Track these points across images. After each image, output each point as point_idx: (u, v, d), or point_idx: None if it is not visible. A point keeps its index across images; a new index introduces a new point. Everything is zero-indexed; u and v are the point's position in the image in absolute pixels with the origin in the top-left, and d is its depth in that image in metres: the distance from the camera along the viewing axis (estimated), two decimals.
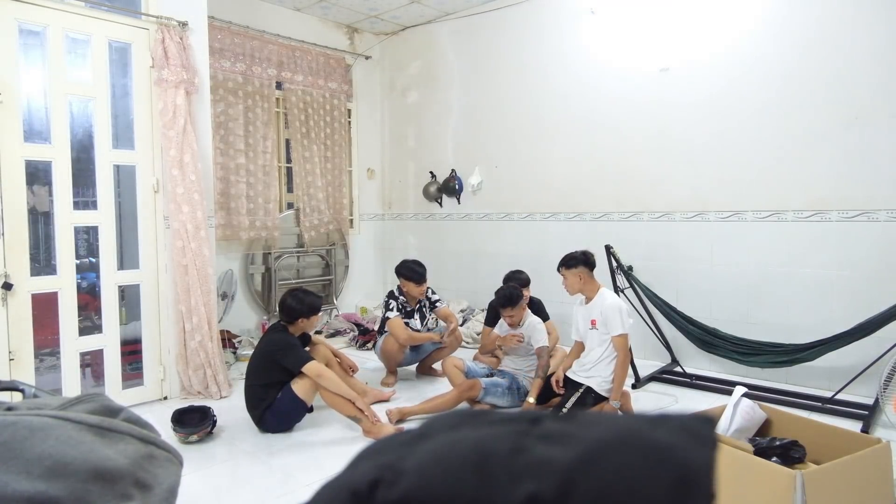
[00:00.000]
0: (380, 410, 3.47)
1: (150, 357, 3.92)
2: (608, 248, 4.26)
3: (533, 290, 4.29)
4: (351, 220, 6.50)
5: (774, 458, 2.23)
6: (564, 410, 3.24)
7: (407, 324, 4.24)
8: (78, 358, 3.63)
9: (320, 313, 3.69)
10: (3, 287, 3.28)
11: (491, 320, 4.03)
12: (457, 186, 5.98)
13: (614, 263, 4.27)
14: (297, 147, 5.80)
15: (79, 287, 3.69)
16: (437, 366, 4.46)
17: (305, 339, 3.64)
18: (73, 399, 0.45)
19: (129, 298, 4.05)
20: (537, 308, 4.15)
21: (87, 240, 3.92)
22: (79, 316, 3.63)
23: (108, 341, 3.75)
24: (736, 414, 2.51)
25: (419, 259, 4.46)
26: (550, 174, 5.29)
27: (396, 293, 4.30)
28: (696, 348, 4.21)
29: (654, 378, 4.26)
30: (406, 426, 3.26)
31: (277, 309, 3.82)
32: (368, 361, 4.75)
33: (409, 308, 4.31)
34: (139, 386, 3.90)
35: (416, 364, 4.50)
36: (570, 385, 3.49)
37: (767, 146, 4.13)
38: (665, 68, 4.57)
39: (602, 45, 4.93)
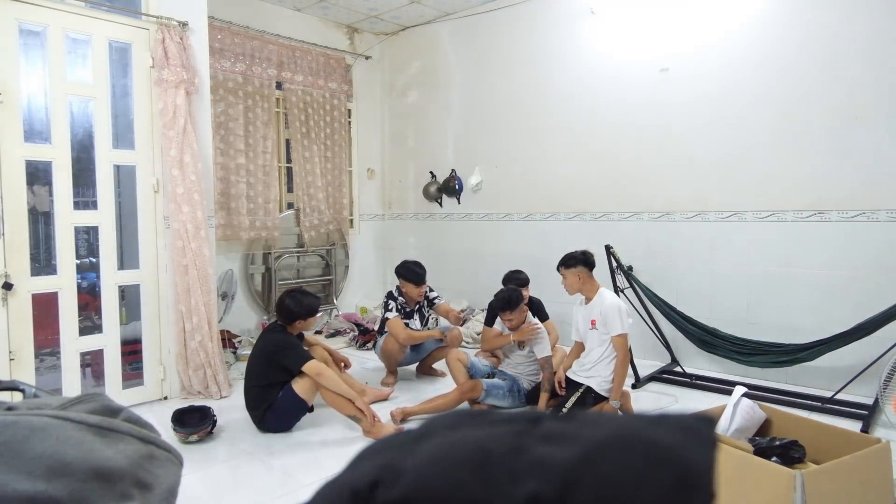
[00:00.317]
0: (381, 410, 3.47)
1: (151, 357, 3.92)
2: (608, 248, 4.26)
3: (533, 290, 4.29)
4: (351, 220, 6.50)
5: (774, 458, 2.23)
6: (564, 410, 3.24)
7: (407, 324, 4.24)
8: (78, 358, 3.63)
9: (319, 314, 3.69)
10: (3, 287, 3.28)
11: (490, 320, 4.03)
12: (457, 186, 5.98)
13: (614, 263, 4.27)
14: (297, 147, 5.80)
15: (79, 287, 3.69)
16: (437, 365, 4.46)
17: (300, 338, 3.64)
18: (73, 399, 0.45)
19: (129, 298, 4.05)
20: (537, 308, 4.15)
21: (87, 240, 3.92)
22: (79, 316, 3.63)
23: (109, 341, 3.75)
24: (736, 414, 2.51)
25: (419, 259, 4.46)
26: (550, 174, 5.29)
27: (395, 294, 4.30)
28: (696, 348, 4.20)
29: (653, 378, 4.26)
30: (406, 426, 3.27)
31: (275, 310, 3.82)
32: (368, 361, 4.76)
33: (409, 308, 4.31)
34: (139, 386, 3.90)
35: (416, 364, 4.50)
36: (570, 385, 3.49)
37: (767, 146, 4.13)
38: (665, 68, 4.57)
39: (602, 46, 4.93)
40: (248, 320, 5.51)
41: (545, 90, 5.30)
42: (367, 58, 6.48)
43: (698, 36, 4.40)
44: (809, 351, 3.63)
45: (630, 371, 3.85)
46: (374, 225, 6.76)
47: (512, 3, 5.45)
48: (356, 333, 5.50)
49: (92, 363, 3.90)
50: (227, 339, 4.89)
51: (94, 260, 3.88)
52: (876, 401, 3.19)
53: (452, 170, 6.04)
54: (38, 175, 3.65)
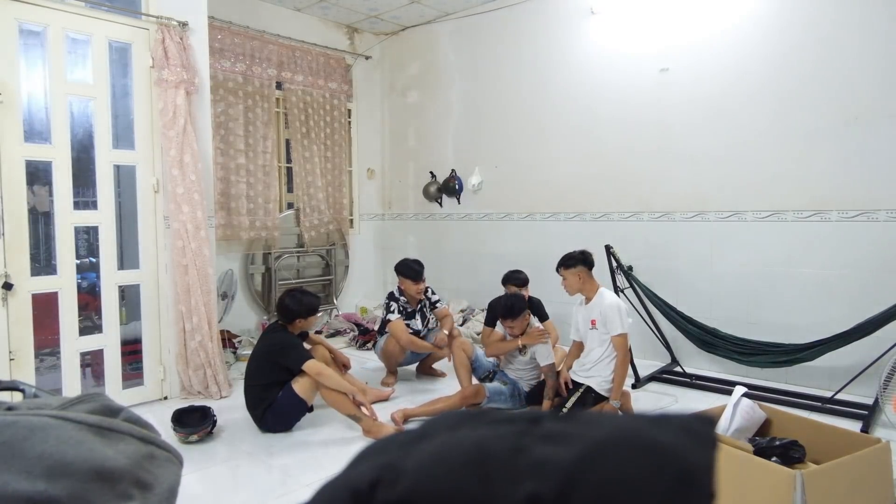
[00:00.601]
0: (381, 411, 3.47)
1: (151, 357, 3.92)
2: (608, 248, 4.25)
3: (533, 290, 4.29)
4: (351, 220, 6.51)
5: (774, 458, 2.23)
6: (564, 410, 3.24)
7: (408, 324, 4.24)
8: (78, 358, 3.63)
9: (319, 313, 3.69)
10: (3, 287, 3.28)
11: (491, 320, 4.03)
12: (457, 186, 5.98)
13: (614, 263, 4.27)
14: (297, 147, 5.80)
15: (79, 287, 3.69)
16: (437, 365, 4.47)
17: (303, 337, 3.64)
18: (73, 399, 0.45)
19: (129, 298, 4.05)
20: (536, 308, 4.15)
21: (87, 240, 3.92)
22: (79, 316, 3.63)
23: (109, 341, 3.75)
24: (736, 414, 2.51)
25: (419, 259, 4.46)
26: (550, 174, 5.29)
27: (397, 294, 4.30)
28: (696, 348, 4.20)
29: (654, 378, 4.26)
30: (407, 427, 3.27)
31: (276, 309, 3.82)
32: (368, 361, 4.76)
33: (411, 309, 4.31)
34: (139, 386, 3.90)
35: (416, 364, 4.50)
36: (570, 385, 3.49)
37: (767, 146, 4.13)
38: (665, 68, 4.57)
39: (602, 46, 4.93)
40: (248, 320, 5.51)
41: (545, 90, 5.30)
42: (367, 58, 6.48)
43: (698, 36, 4.40)
44: (809, 351, 3.63)
45: (630, 371, 3.84)
46: (374, 225, 6.76)
47: (512, 3, 5.45)
48: (356, 333, 5.50)
49: (92, 363, 3.89)
50: (227, 339, 4.89)
51: (94, 260, 3.88)
52: (876, 401, 3.19)
53: (452, 170, 6.04)
54: (38, 175, 3.65)
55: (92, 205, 3.71)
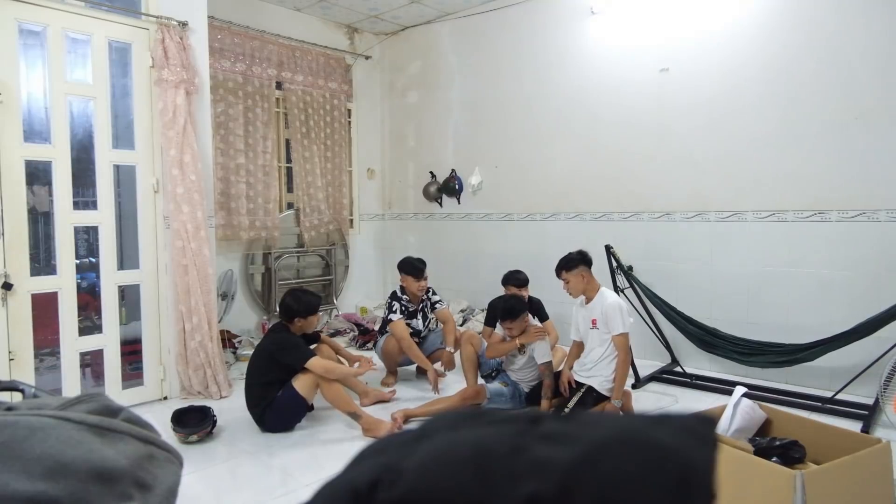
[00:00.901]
0: (382, 410, 3.47)
1: (150, 357, 3.92)
2: (608, 248, 4.25)
3: (533, 290, 4.29)
4: (351, 220, 6.50)
5: (774, 458, 2.23)
6: (566, 411, 3.24)
7: (409, 324, 4.25)
8: (78, 358, 3.63)
9: (319, 313, 3.70)
10: (3, 287, 3.28)
11: (491, 320, 4.03)
12: (457, 186, 5.98)
13: (614, 263, 4.27)
14: (297, 147, 5.80)
15: (79, 287, 3.69)
16: (438, 365, 4.46)
17: (312, 339, 3.65)
18: (73, 399, 0.45)
19: (129, 298, 4.05)
20: (536, 308, 4.15)
21: (87, 240, 3.92)
22: (79, 316, 3.63)
23: (108, 341, 3.75)
24: (736, 414, 2.50)
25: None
26: (550, 174, 5.29)
27: (399, 293, 4.31)
28: (696, 348, 4.20)
29: (654, 378, 4.25)
30: (407, 426, 3.27)
31: (277, 309, 3.82)
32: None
33: (412, 308, 4.32)
34: (139, 386, 3.90)
35: (416, 364, 4.49)
36: (573, 384, 3.49)
37: (767, 146, 4.12)
38: (665, 68, 4.57)
39: (602, 46, 4.92)
40: (248, 320, 5.51)
41: (545, 90, 5.30)
42: (367, 58, 6.48)
43: (698, 36, 4.40)
44: (809, 351, 3.63)
45: (630, 371, 3.84)
46: (374, 225, 6.76)
47: (512, 3, 5.45)
48: (356, 333, 5.50)
49: (92, 363, 3.89)
50: (227, 339, 4.89)
51: (93, 260, 3.88)
52: (876, 401, 3.19)
53: (452, 170, 6.04)
54: (37, 175, 3.65)
55: (92, 205, 3.71)
